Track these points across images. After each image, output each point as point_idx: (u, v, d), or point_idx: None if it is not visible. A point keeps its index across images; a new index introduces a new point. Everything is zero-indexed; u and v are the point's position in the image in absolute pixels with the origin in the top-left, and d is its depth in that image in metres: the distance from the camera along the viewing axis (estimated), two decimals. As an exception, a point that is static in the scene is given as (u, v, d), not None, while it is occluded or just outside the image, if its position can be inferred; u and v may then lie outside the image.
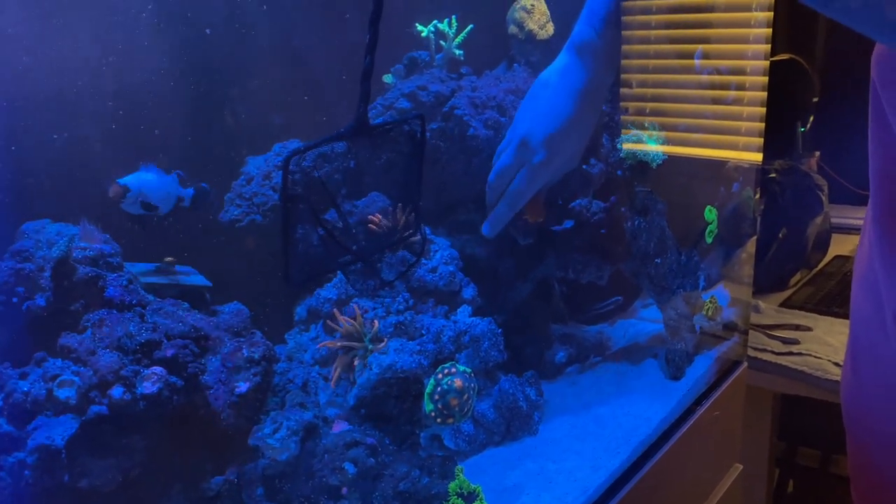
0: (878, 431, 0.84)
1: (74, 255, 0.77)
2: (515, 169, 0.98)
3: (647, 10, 1.17)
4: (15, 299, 0.74)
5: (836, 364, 1.35)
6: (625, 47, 1.01)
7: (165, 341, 0.76)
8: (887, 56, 0.72)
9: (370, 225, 0.95)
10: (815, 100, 2.03)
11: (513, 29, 1.14)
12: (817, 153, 1.95)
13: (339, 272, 0.95)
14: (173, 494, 0.77)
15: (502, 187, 0.99)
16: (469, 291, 1.01)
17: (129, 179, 0.82)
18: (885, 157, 0.75)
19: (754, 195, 1.28)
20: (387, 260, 0.97)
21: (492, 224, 1.01)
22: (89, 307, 0.76)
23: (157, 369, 0.74)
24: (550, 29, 1.14)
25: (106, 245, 0.80)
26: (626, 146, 1.11)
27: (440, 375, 0.88)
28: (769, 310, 1.61)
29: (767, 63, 1.14)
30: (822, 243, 1.81)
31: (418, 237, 0.95)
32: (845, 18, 0.53)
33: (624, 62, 1.05)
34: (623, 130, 1.12)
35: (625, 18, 0.98)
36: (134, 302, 0.78)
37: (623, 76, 1.10)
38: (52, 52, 0.83)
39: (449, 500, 0.80)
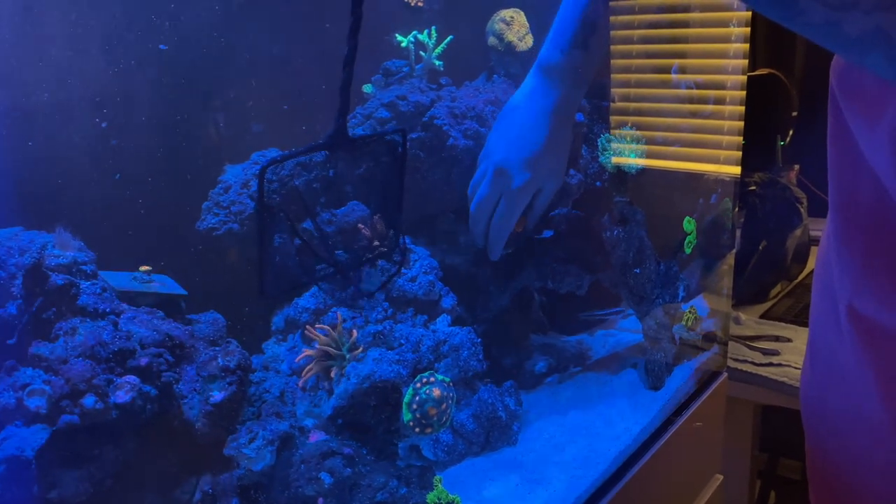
0: (833, 426, 0.85)
1: (47, 262, 0.76)
2: (495, 197, 0.99)
3: (629, 26, 1.18)
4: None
5: (816, 375, 1.36)
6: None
7: (139, 350, 0.75)
8: (845, 64, 0.74)
9: (360, 229, 0.94)
10: (795, 114, 2.05)
11: (492, 40, 1.14)
12: (797, 166, 1.97)
13: (314, 285, 0.94)
14: (146, 505, 0.76)
15: (485, 218, 1.01)
16: (448, 301, 1.01)
17: None
18: (841, 155, 0.77)
19: (733, 207, 1.29)
20: (366, 270, 0.97)
21: (491, 254, 1.04)
22: (62, 315, 0.75)
23: (131, 378, 0.73)
24: (530, 41, 1.14)
25: (80, 253, 0.79)
26: (613, 160, 1.11)
27: (418, 385, 0.88)
28: (749, 321, 1.62)
29: (745, 78, 1.16)
30: (802, 255, 1.83)
31: (396, 253, 0.94)
32: (808, 34, 0.54)
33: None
34: (605, 141, 1.12)
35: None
36: (108, 310, 0.77)
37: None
38: (32, 58, 0.83)
39: (427, 511, 0.80)
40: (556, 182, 1.03)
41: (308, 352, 0.89)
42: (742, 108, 1.17)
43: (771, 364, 1.42)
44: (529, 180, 0.98)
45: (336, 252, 0.94)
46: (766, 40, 2.19)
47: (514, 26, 1.14)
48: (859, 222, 0.77)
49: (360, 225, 0.95)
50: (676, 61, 1.20)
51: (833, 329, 0.83)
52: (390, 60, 1.09)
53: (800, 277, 1.85)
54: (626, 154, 1.10)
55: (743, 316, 1.63)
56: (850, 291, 0.78)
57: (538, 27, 1.15)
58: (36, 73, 0.84)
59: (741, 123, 1.17)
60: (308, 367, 0.89)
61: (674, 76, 1.21)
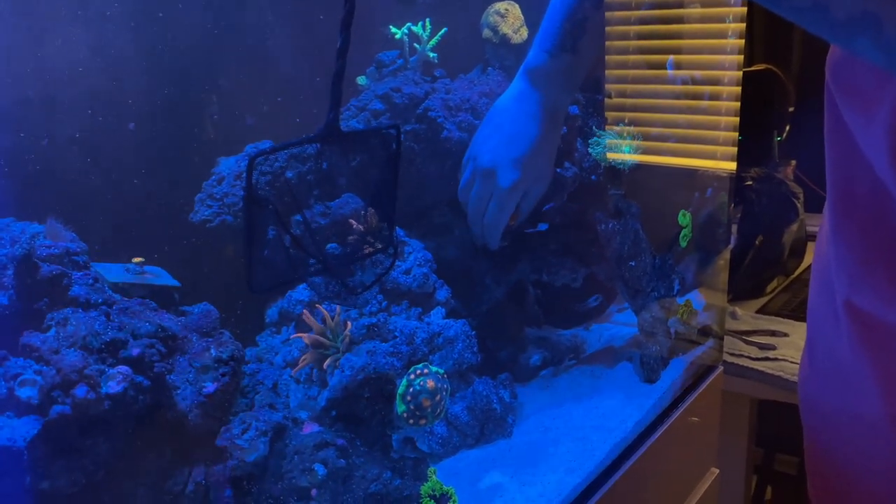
0: (831, 422, 0.85)
1: (38, 252, 0.76)
2: (487, 198, 0.99)
3: (625, 21, 1.18)
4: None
5: (812, 369, 1.36)
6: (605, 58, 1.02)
7: (132, 340, 0.75)
8: (839, 60, 0.74)
9: (351, 222, 0.94)
10: (791, 109, 2.05)
11: (487, 33, 1.14)
12: (793, 162, 1.97)
13: (303, 281, 0.94)
14: (139, 496, 0.76)
15: (480, 218, 1.01)
16: (443, 293, 1.01)
17: None
18: (838, 151, 0.77)
19: (729, 202, 1.28)
20: (357, 266, 0.96)
21: (490, 247, 1.03)
22: (53, 305, 0.75)
23: (123, 368, 0.72)
24: (524, 33, 1.14)
25: (72, 243, 0.79)
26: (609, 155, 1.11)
27: (412, 376, 0.87)
28: (746, 316, 1.62)
29: (740, 73, 1.16)
30: (798, 250, 1.83)
31: (390, 247, 0.94)
32: (796, 18, 0.53)
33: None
34: (601, 137, 1.12)
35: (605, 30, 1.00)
36: (100, 300, 0.77)
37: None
38: (23, 54, 0.83)
39: (421, 503, 0.79)
40: (542, 186, 1.02)
41: (303, 336, 0.89)
42: (737, 104, 1.17)
43: (767, 359, 1.42)
44: (519, 179, 0.97)
45: (329, 246, 0.94)
46: (764, 36, 2.19)
47: (508, 18, 1.13)
48: (856, 217, 0.77)
49: (351, 220, 0.94)
50: (672, 56, 1.20)
51: (831, 324, 0.83)
52: (385, 52, 1.09)
53: (796, 272, 1.85)
54: (621, 149, 1.10)
55: (739, 311, 1.63)
56: (848, 286, 0.78)
57: (533, 19, 1.15)
58: (27, 65, 0.83)
59: (737, 119, 1.17)
60: (303, 358, 0.89)
61: (670, 71, 1.21)
